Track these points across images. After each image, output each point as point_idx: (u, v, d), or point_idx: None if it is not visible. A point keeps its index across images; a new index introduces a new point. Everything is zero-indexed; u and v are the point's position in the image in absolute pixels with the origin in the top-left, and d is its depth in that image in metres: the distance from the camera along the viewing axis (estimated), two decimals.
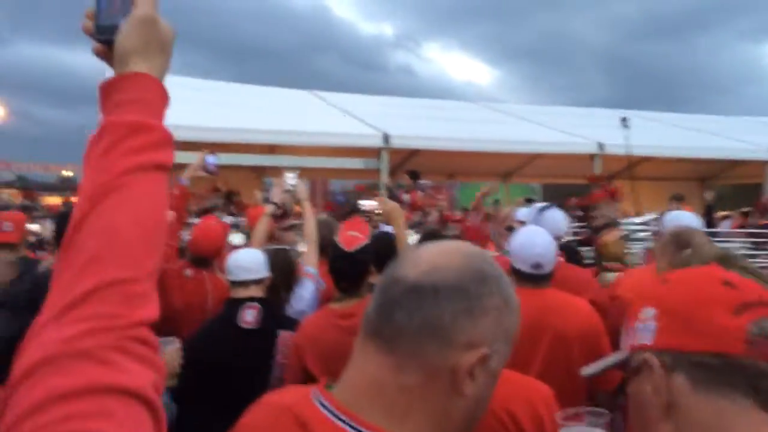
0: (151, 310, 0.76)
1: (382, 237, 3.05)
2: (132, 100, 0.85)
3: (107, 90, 0.87)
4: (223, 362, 2.75)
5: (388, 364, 0.84)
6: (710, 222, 7.26)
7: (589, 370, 1.00)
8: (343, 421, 0.84)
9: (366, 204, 3.26)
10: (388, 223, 3.15)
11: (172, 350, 2.46)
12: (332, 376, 2.76)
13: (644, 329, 0.86)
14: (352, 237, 2.71)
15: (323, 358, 2.61)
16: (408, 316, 0.83)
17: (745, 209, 10.69)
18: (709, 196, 9.33)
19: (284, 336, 2.84)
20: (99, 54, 0.92)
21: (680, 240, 2.59)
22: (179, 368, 2.49)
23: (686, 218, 3.15)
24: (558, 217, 3.68)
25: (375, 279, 2.96)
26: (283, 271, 3.17)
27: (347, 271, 2.69)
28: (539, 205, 3.82)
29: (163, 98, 0.89)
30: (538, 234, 2.60)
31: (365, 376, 0.86)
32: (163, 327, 3.30)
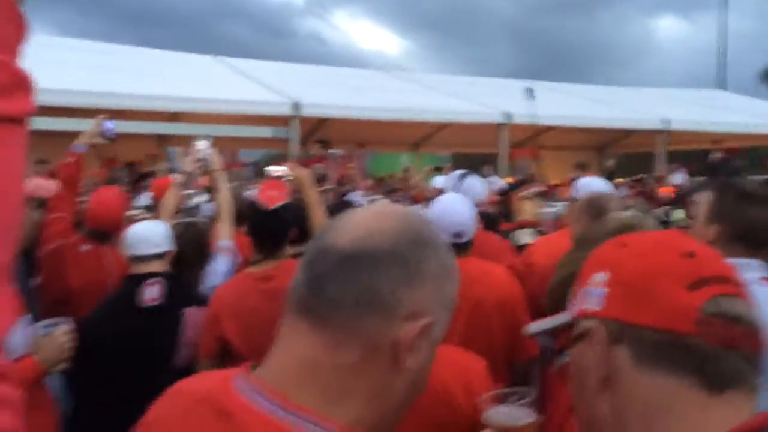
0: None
1: (299, 205, 2.93)
2: None
3: None
4: (124, 344, 2.55)
5: (322, 341, 0.74)
6: None
7: (533, 327, 0.96)
8: (276, 406, 0.74)
9: (275, 170, 3.06)
10: (298, 189, 3.03)
11: (58, 334, 2.24)
12: (253, 343, 2.65)
13: (593, 294, 0.80)
14: (272, 195, 2.60)
15: (243, 325, 2.50)
16: (342, 290, 0.74)
17: (638, 177, 11.25)
18: (609, 163, 9.75)
19: (192, 312, 2.68)
20: None
21: (595, 205, 2.62)
22: (70, 352, 2.29)
23: (598, 185, 3.21)
24: (477, 184, 3.68)
25: (293, 248, 2.85)
26: (195, 246, 2.99)
27: (269, 228, 2.58)
28: (458, 172, 3.80)
29: (15, 24, 0.66)
30: (458, 202, 2.55)
31: (296, 356, 0.76)
32: (60, 308, 3.07)
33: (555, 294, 1.33)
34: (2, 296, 0.59)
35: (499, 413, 1.12)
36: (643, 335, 0.74)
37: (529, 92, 8.07)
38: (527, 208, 3.68)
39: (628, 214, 2.01)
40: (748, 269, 1.80)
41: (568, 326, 0.86)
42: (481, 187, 3.73)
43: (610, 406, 0.76)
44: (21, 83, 0.65)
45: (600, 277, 0.80)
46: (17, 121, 0.64)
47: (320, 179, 7.23)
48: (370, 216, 0.81)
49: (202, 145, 3.44)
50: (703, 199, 2.01)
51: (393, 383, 0.76)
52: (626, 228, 1.45)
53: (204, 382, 0.86)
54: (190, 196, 3.85)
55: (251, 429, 0.73)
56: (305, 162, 7.92)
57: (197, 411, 0.78)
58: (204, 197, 4.03)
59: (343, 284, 0.74)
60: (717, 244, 1.88)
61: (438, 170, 9.82)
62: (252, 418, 0.73)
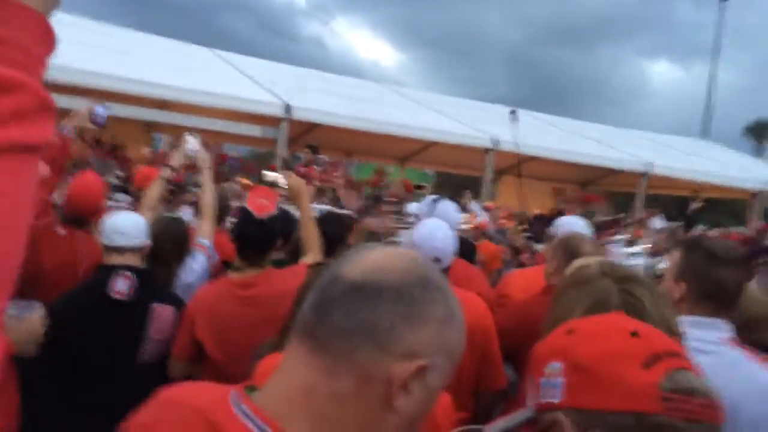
0: None
1: (284, 213, 2.93)
2: None
3: None
4: (88, 334, 2.52)
5: (320, 366, 0.76)
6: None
7: (493, 429, 0.92)
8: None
9: (270, 176, 3.05)
10: (292, 199, 3.03)
11: (34, 317, 2.22)
12: (227, 348, 2.65)
13: (551, 385, 0.81)
14: (263, 204, 2.58)
15: (217, 330, 2.50)
16: (345, 316, 0.76)
17: (616, 217, 11.34)
18: (596, 218, 9.83)
19: (159, 309, 2.65)
20: None
21: (569, 246, 2.66)
22: (41, 338, 2.26)
23: (578, 225, 3.25)
24: (451, 209, 3.67)
25: (277, 254, 2.85)
26: (175, 241, 2.97)
27: (256, 237, 2.56)
28: (431, 197, 3.81)
29: (45, 43, 0.61)
30: (438, 228, 2.57)
31: (294, 380, 0.78)
32: (29, 288, 3.01)
33: None
34: None
35: None
36: (613, 420, 0.75)
37: (513, 114, 8.07)
38: None
39: (599, 259, 2.04)
40: (713, 328, 1.84)
41: (531, 422, 0.86)
42: (455, 212, 3.73)
43: None
44: (45, 108, 0.59)
45: (555, 367, 0.81)
46: (34, 150, 0.58)
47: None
48: (383, 254, 0.84)
49: (191, 142, 3.42)
50: (673, 257, 2.04)
51: (382, 421, 0.77)
52: (631, 279, 1.45)
53: (199, 395, 0.86)
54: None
55: None
56: (293, 166, 7.92)
57: (191, 423, 0.79)
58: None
59: (347, 311, 0.77)
60: (684, 302, 1.92)
61: (419, 188, 9.86)
62: None
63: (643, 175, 12.06)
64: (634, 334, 0.80)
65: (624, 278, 1.41)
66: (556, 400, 0.80)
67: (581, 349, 0.80)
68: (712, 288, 1.90)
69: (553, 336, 0.87)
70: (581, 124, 16.30)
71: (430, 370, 0.77)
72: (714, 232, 8.28)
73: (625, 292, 1.36)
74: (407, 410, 0.77)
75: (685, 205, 10.22)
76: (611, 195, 15.64)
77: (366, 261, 0.81)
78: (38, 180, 0.60)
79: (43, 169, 2.69)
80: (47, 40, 0.62)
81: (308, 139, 10.22)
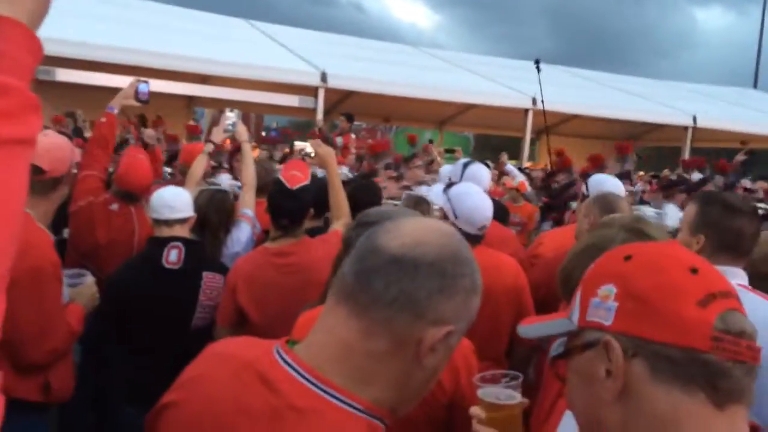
0: None
1: (317, 182, 3.04)
2: None
3: None
4: (144, 302, 2.71)
5: (358, 328, 0.87)
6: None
7: (529, 332, 0.99)
8: (310, 382, 0.88)
9: (300, 146, 3.17)
10: (321, 167, 3.13)
11: (89, 282, 2.53)
12: (266, 313, 2.80)
13: (602, 307, 0.83)
14: (295, 176, 2.71)
15: (257, 296, 2.65)
16: (386, 286, 0.86)
17: (655, 173, 11.10)
18: (631, 159, 9.65)
19: (209, 277, 2.81)
20: None
21: (605, 204, 2.70)
22: (97, 301, 2.55)
23: (610, 182, 3.26)
24: (482, 172, 3.72)
25: (311, 222, 2.97)
26: (221, 213, 3.13)
27: (289, 208, 2.70)
28: (462, 160, 3.87)
29: (30, 51, 0.71)
30: (484, 197, 2.66)
31: (334, 338, 0.90)
32: (87, 261, 3.24)
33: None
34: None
35: (490, 393, 1.23)
36: (661, 351, 0.78)
37: (537, 65, 7.86)
38: None
39: (632, 216, 2.10)
40: (732, 276, 1.92)
41: (569, 336, 0.89)
42: (486, 175, 3.78)
43: (620, 417, 0.81)
44: (31, 107, 0.69)
45: (608, 290, 0.84)
46: (25, 144, 0.68)
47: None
48: (420, 227, 0.93)
49: (230, 117, 3.55)
50: (690, 210, 2.11)
51: (411, 375, 0.89)
52: (636, 229, 1.55)
53: (245, 349, 0.99)
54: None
55: (291, 398, 0.87)
56: (330, 135, 7.99)
57: (243, 375, 0.92)
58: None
59: (387, 282, 0.86)
60: (702, 253, 1.98)
61: (450, 152, 9.80)
62: (293, 388, 0.87)
63: (686, 128, 11.78)
64: (694, 270, 0.81)
65: (633, 227, 1.50)
66: (606, 323, 0.82)
67: (638, 277, 0.82)
68: (730, 238, 2.01)
69: (609, 259, 0.89)
70: (623, 78, 15.91)
71: (453, 334, 0.89)
72: (762, 184, 8.09)
73: (627, 240, 1.45)
74: (432, 365, 0.89)
75: (732, 158, 9.96)
76: (660, 149, 15.31)
77: (404, 234, 0.90)
78: (29, 169, 0.70)
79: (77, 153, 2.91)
80: (33, 49, 0.72)
81: (345, 107, 10.28)
